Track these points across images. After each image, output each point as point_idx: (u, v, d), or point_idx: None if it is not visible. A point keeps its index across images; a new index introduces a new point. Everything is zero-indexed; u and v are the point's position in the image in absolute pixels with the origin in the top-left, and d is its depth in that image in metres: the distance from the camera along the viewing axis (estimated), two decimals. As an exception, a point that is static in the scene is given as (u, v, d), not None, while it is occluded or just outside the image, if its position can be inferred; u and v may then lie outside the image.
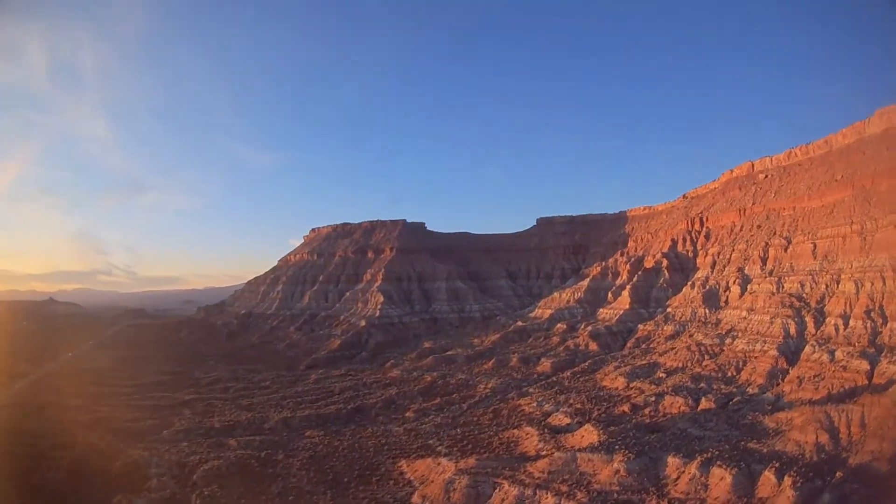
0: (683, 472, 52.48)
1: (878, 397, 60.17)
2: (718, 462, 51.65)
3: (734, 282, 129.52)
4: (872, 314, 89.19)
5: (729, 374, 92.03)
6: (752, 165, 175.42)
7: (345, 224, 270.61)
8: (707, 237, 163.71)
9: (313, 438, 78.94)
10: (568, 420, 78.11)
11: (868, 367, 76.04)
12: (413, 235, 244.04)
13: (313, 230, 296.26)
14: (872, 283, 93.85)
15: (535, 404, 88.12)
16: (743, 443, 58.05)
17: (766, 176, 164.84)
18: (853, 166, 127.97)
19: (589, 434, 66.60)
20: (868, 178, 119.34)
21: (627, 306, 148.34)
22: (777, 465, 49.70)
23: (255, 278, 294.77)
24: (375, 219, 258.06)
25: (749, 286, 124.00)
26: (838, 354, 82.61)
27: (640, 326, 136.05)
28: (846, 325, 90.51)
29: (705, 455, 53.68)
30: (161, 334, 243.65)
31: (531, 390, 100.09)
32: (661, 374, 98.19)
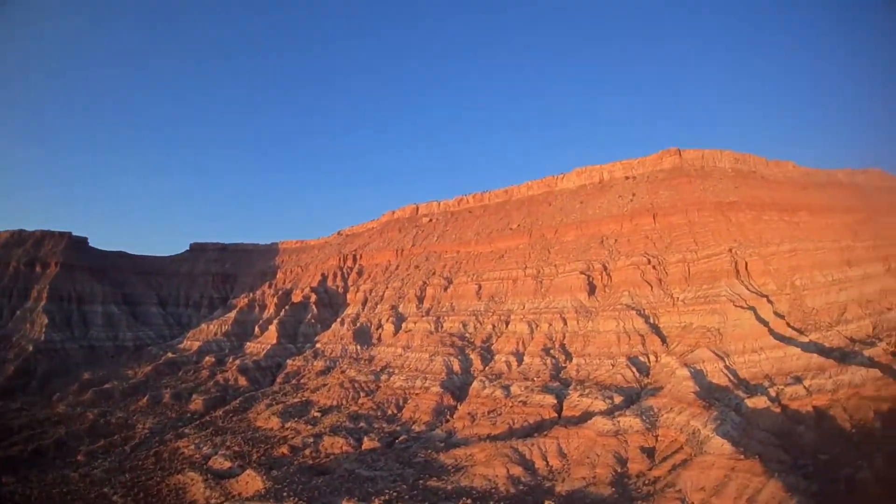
0: (363, 517, 47.67)
1: (577, 429, 60.67)
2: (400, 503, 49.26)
3: (388, 319, 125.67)
4: (553, 351, 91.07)
5: (389, 411, 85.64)
6: (417, 209, 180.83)
7: (21, 230, 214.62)
8: (360, 274, 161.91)
9: (9, 486, 74.20)
10: (229, 464, 72.06)
11: (555, 401, 74.84)
12: (76, 251, 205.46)
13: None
14: (551, 324, 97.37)
15: (193, 447, 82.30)
16: (422, 481, 55.87)
17: (431, 220, 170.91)
18: (534, 216, 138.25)
19: (253, 480, 62.23)
20: (552, 228, 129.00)
21: (275, 341, 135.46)
22: (469, 500, 49.29)
23: None
24: (48, 228, 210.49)
25: (404, 324, 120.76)
26: (514, 389, 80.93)
27: (289, 362, 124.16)
28: (520, 362, 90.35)
29: (383, 497, 51.47)
30: None
31: (187, 431, 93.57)
32: (315, 413, 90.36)
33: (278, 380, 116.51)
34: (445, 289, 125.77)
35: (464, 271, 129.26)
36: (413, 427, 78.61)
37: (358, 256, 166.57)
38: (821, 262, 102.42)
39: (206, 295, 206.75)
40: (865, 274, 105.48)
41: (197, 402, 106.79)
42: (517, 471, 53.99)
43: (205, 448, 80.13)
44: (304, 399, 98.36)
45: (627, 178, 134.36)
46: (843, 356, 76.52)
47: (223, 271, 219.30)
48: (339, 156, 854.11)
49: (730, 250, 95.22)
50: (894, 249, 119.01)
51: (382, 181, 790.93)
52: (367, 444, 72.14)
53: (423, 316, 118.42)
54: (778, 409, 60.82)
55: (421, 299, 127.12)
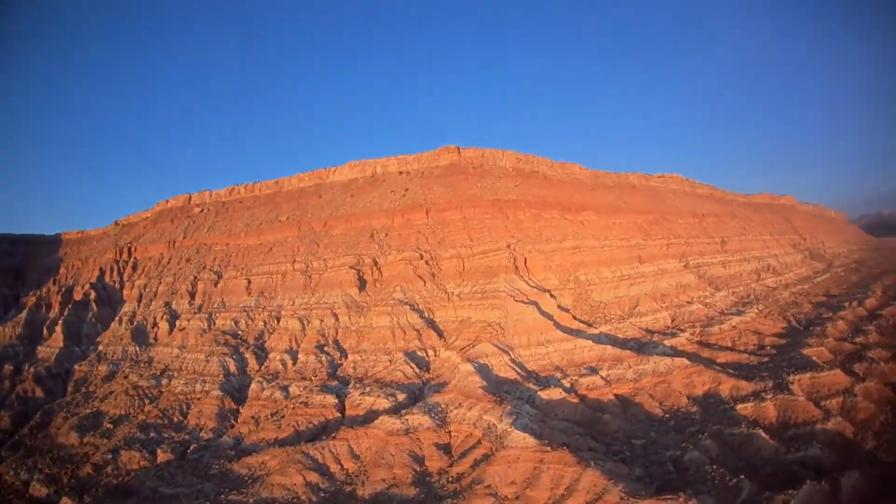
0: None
1: (365, 429, 58.17)
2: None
3: (162, 317, 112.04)
4: (327, 349, 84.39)
5: (175, 419, 79.65)
6: (190, 198, 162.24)
7: None
8: (135, 268, 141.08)
9: None
10: (46, 490, 67.96)
11: (336, 401, 69.54)
12: None
13: None
14: (322, 320, 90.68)
15: (12, 472, 74.91)
16: (223, 496, 53.26)
17: (203, 210, 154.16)
18: (303, 209, 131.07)
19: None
20: (321, 221, 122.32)
21: (62, 344, 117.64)
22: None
23: None
24: None
25: (178, 322, 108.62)
26: (293, 390, 74.77)
27: (77, 367, 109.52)
28: (295, 360, 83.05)
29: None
30: None
31: (3, 453, 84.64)
32: (108, 425, 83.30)
33: (69, 388, 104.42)
34: (216, 283, 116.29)
35: (233, 265, 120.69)
36: (201, 434, 74.12)
37: (133, 249, 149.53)
38: (609, 259, 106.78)
39: (0, 293, 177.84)
40: (659, 269, 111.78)
41: (5, 420, 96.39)
42: (314, 477, 52.10)
43: (22, 473, 74.88)
44: (95, 409, 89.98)
45: (402, 173, 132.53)
46: (640, 346, 79.04)
47: (14, 265, 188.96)
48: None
49: (508, 246, 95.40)
50: (690, 248, 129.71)
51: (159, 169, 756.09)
52: (162, 456, 69.38)
53: (195, 313, 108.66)
54: (576, 400, 60.13)
55: (193, 295, 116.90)
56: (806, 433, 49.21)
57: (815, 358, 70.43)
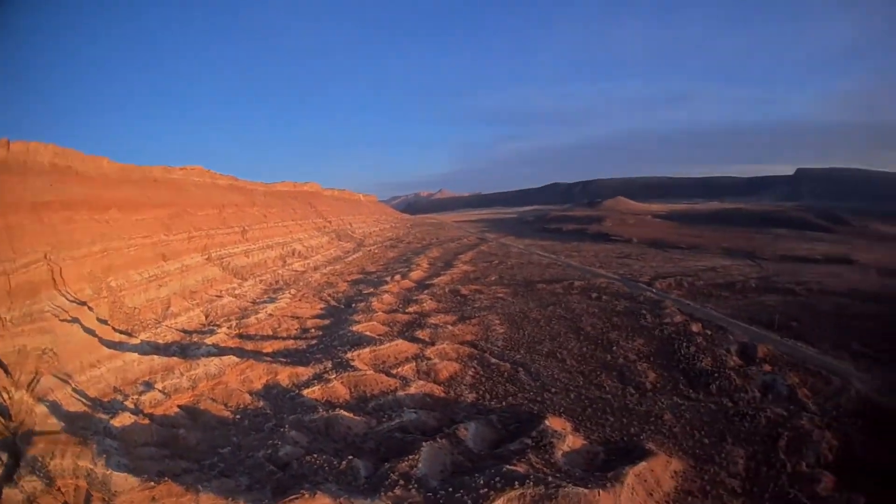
0: None
1: None
2: None
3: None
4: None
5: None
6: None
7: None
8: None
9: None
10: None
11: None
12: None
13: None
14: None
15: None
16: None
17: None
18: None
19: None
20: None
21: None
22: None
23: None
24: None
25: None
26: None
27: None
28: None
29: None
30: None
31: None
32: None
33: None
34: None
35: None
36: None
37: None
38: (135, 260, 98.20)
39: None
40: (184, 266, 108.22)
41: None
42: None
43: None
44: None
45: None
46: (183, 350, 74.91)
47: None
48: None
49: (45, 256, 78.06)
50: (211, 239, 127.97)
51: None
52: None
53: None
54: (146, 421, 53.80)
55: None
56: (391, 402, 52.91)
57: (368, 333, 75.54)
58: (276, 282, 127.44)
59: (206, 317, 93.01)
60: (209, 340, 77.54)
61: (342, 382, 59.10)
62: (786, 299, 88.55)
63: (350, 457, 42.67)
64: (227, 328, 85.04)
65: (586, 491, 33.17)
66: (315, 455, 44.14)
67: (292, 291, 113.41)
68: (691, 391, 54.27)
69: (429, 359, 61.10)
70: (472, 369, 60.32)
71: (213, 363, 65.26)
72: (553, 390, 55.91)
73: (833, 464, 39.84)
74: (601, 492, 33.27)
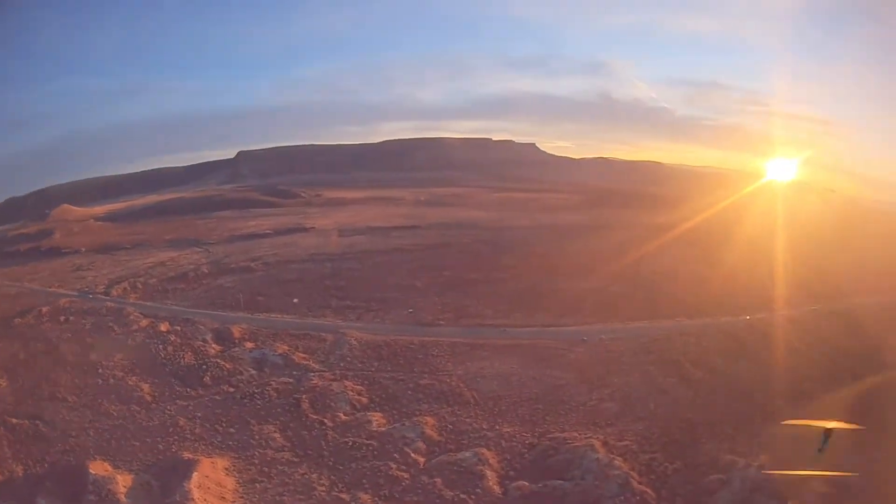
0: None
1: None
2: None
3: None
4: None
5: None
6: None
7: None
8: None
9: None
10: None
11: None
12: None
13: None
14: None
15: None
16: None
17: None
18: None
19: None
20: None
21: None
22: None
23: None
24: None
25: None
26: None
27: None
28: None
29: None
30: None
31: None
32: None
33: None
34: None
35: None
36: None
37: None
38: None
39: None
40: None
41: None
42: None
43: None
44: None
45: None
46: None
47: None
48: None
49: None
50: None
51: None
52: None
53: None
54: None
55: None
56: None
57: None
58: None
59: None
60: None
61: None
62: (244, 277, 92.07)
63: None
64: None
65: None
66: None
67: None
68: (189, 390, 52.49)
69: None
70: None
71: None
72: (74, 434, 48.46)
73: (376, 404, 45.67)
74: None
